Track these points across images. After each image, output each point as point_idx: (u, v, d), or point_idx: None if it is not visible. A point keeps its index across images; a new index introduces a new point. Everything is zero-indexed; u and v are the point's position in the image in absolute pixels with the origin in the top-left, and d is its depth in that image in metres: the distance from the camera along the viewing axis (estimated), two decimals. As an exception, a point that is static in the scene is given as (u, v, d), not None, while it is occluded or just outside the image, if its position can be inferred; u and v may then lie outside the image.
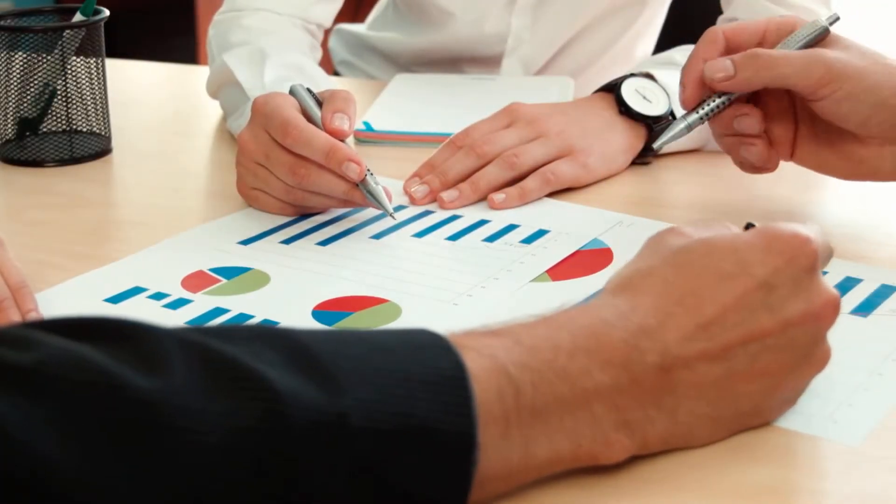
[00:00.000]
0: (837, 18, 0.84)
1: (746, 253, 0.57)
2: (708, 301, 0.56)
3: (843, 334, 0.70)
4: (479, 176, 0.94)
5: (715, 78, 0.82)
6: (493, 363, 0.51)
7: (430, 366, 0.49)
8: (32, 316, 0.72)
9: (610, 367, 0.54)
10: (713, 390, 0.56)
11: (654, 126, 1.00)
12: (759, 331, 0.56)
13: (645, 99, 1.00)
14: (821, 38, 0.83)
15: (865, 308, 0.74)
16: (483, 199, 0.94)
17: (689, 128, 0.85)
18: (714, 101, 0.84)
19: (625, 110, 1.00)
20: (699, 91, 0.84)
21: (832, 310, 0.58)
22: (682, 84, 0.85)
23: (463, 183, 0.94)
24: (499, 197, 0.93)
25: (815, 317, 0.57)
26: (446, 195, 0.93)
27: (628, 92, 1.00)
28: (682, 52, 1.08)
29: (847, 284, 0.77)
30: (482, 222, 0.90)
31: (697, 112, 0.84)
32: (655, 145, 0.88)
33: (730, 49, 0.84)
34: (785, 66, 0.80)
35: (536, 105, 0.99)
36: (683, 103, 0.85)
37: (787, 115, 0.86)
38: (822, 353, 0.59)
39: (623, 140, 1.00)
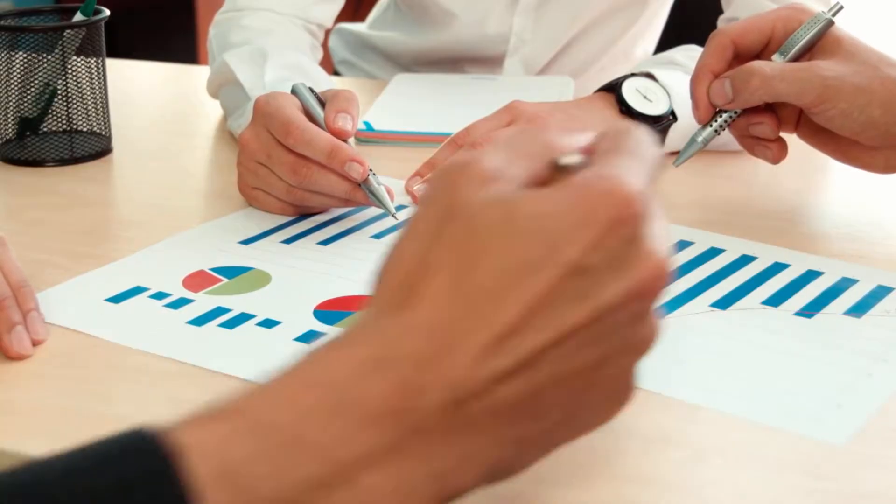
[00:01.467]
0: (841, 8, 0.85)
1: (555, 231, 0.44)
2: (507, 305, 0.44)
3: (836, 334, 0.71)
4: None
5: (717, 103, 0.85)
6: (220, 467, 0.41)
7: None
8: (33, 315, 0.72)
9: (378, 424, 0.42)
10: (517, 412, 0.45)
11: (655, 126, 1.00)
12: (571, 327, 0.44)
13: (646, 99, 1.00)
14: (826, 29, 0.84)
15: (860, 309, 0.74)
16: None
17: (705, 142, 0.88)
18: (724, 115, 0.87)
19: (625, 110, 1.00)
20: (711, 108, 0.87)
21: (659, 282, 0.46)
22: (694, 100, 0.87)
23: None
24: None
25: (637, 295, 0.45)
26: None
27: (629, 91, 1.00)
28: (682, 52, 1.08)
29: (843, 285, 0.78)
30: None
31: (711, 125, 0.87)
32: (675, 164, 0.90)
33: (738, 53, 0.86)
34: (780, 85, 0.82)
35: (537, 103, 0.99)
36: (698, 120, 0.88)
37: None
38: (648, 333, 0.47)
39: None
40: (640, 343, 0.47)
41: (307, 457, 0.42)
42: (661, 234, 0.46)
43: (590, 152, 0.48)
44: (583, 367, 0.45)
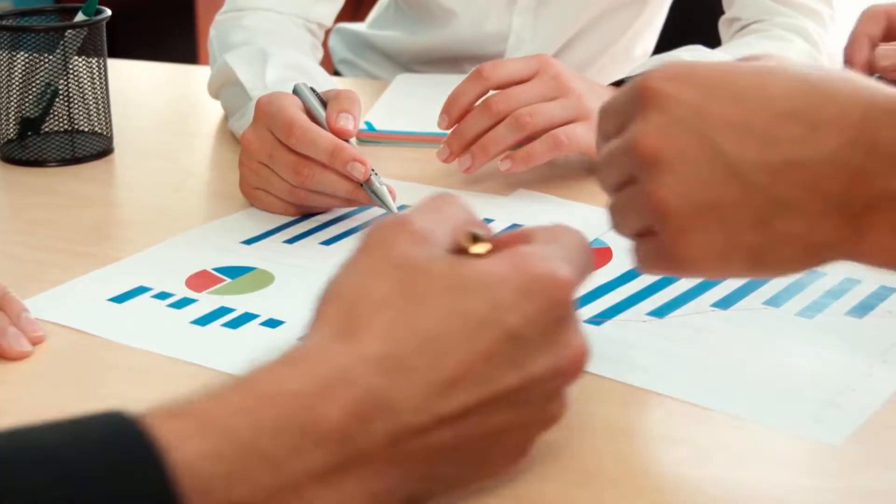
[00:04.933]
0: None
1: (500, 293, 0.49)
2: (451, 353, 0.48)
3: (837, 335, 0.71)
4: (488, 139, 0.94)
5: (884, 64, 0.83)
6: (179, 463, 0.43)
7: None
8: (24, 316, 0.72)
9: (326, 443, 0.46)
10: (442, 454, 0.49)
11: None
12: (501, 390, 0.49)
13: None
14: None
15: (862, 309, 0.74)
16: (494, 158, 0.95)
17: None
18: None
19: None
20: (869, 73, 0.84)
21: (578, 366, 0.52)
22: (851, 64, 0.85)
23: (474, 146, 0.94)
24: (505, 165, 0.94)
25: (560, 373, 0.51)
26: (461, 163, 0.95)
27: None
28: (689, 52, 1.08)
29: (845, 286, 0.77)
30: (485, 221, 0.90)
31: None
32: None
33: (891, 26, 0.85)
34: None
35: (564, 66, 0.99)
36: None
37: None
38: (557, 409, 0.53)
39: None
40: (550, 416, 0.53)
41: (258, 464, 0.45)
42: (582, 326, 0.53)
43: (498, 244, 0.53)
44: (500, 426, 0.50)
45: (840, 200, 0.52)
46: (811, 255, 0.55)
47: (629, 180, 0.58)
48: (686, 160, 0.55)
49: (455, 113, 0.96)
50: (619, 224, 0.61)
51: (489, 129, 0.94)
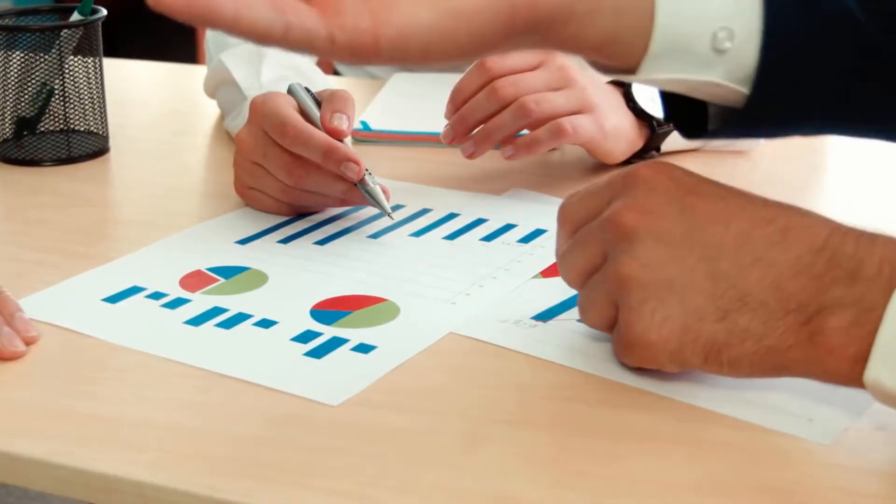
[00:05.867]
0: None
1: None
2: None
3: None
4: (492, 124, 0.94)
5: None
6: None
7: None
8: (19, 316, 0.72)
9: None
10: None
11: (657, 129, 1.00)
12: None
13: (651, 100, 1.00)
14: None
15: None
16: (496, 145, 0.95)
17: None
18: None
19: (633, 107, 0.99)
20: None
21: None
22: None
23: (478, 132, 0.94)
24: (507, 152, 0.94)
25: None
26: (465, 149, 0.95)
27: (638, 90, 1.00)
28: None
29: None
30: (479, 221, 0.90)
31: None
32: None
33: None
34: None
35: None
36: None
37: None
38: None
39: (631, 130, 0.99)
40: None
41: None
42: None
43: None
44: None
45: (798, 303, 0.57)
46: (766, 361, 0.58)
47: (599, 262, 0.63)
48: (661, 235, 0.60)
49: (459, 104, 0.96)
50: (586, 312, 0.65)
51: (493, 115, 0.94)
